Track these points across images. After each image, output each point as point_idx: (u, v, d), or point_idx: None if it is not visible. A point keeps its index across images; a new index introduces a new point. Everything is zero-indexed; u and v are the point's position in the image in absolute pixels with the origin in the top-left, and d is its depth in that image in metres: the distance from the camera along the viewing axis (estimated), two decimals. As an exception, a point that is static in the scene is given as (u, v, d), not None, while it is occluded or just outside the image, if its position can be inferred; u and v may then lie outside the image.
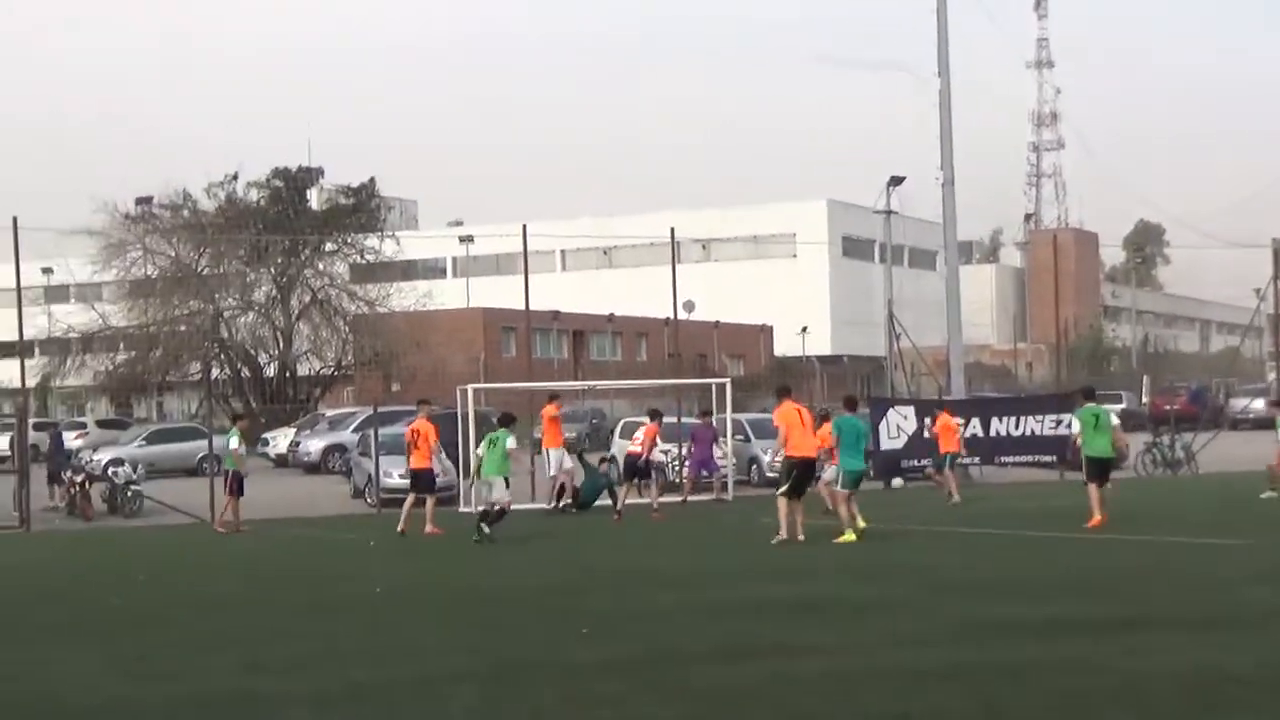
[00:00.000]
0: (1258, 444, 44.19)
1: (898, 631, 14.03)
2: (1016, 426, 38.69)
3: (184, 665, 13.57)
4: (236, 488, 29.79)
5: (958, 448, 33.75)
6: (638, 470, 31.85)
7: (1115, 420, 25.89)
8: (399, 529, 26.94)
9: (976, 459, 38.08)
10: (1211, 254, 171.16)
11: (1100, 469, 24.71)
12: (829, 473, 26.92)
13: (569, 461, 32.43)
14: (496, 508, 25.62)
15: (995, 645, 13.08)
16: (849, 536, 22.94)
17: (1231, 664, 11.82)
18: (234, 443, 30.58)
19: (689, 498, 34.31)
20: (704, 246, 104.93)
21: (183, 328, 70.83)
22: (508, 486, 26.12)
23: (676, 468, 37.10)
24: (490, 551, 23.98)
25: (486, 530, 25.02)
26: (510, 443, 26.25)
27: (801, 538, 22.80)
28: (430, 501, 27.89)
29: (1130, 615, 14.52)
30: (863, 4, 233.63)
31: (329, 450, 50.26)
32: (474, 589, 18.87)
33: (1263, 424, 53.39)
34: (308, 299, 72.46)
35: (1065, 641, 13.14)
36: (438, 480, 29.18)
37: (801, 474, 23.36)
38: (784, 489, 23.27)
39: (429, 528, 27.14)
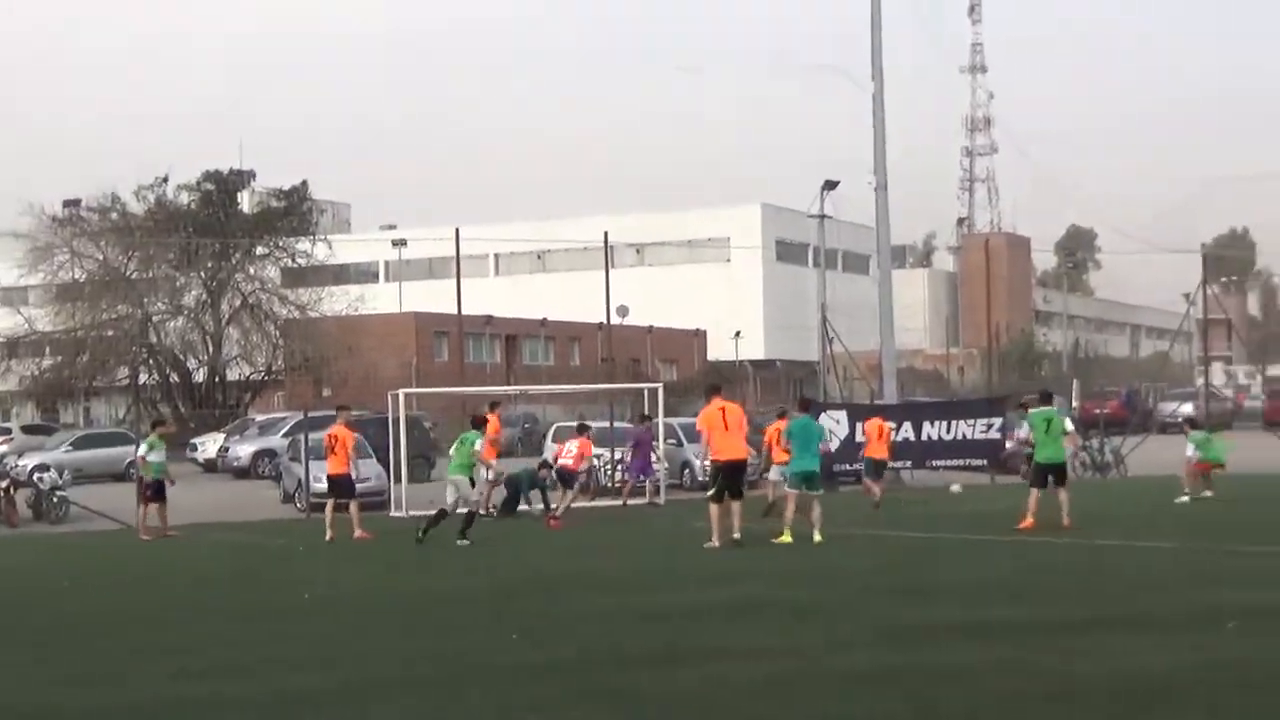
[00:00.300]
0: (1185, 448, 44.59)
1: (833, 635, 13.97)
2: (948, 431, 38.85)
3: (111, 672, 13.36)
4: (153, 494, 29.50)
5: (886, 454, 33.64)
6: (571, 481, 31.70)
7: (1069, 426, 25.65)
8: (328, 537, 26.74)
9: (909, 463, 38.20)
10: (1142, 259, 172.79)
11: (1045, 474, 24.52)
12: (774, 472, 26.98)
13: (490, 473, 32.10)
14: (466, 509, 25.56)
15: (930, 648, 13.04)
16: (786, 538, 22.89)
17: (1162, 665, 11.83)
18: (143, 450, 30.24)
19: (628, 502, 34.23)
20: (638, 251, 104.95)
21: (110, 332, 70.22)
22: (474, 486, 26.05)
23: (610, 472, 37.02)
24: (421, 556, 23.81)
25: (421, 535, 25.24)
26: (479, 444, 26.17)
27: (736, 536, 22.56)
28: (354, 506, 27.70)
29: (1063, 618, 14.52)
30: (798, 9, 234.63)
31: (259, 455, 49.96)
32: (404, 594, 18.69)
33: (1191, 427, 53.91)
34: (238, 303, 72.00)
35: (999, 644, 13.12)
36: (368, 484, 29.04)
37: (728, 477, 23.01)
38: (712, 493, 23.15)
39: (357, 532, 26.99)
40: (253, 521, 32.58)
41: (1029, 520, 23.94)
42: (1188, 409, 62.93)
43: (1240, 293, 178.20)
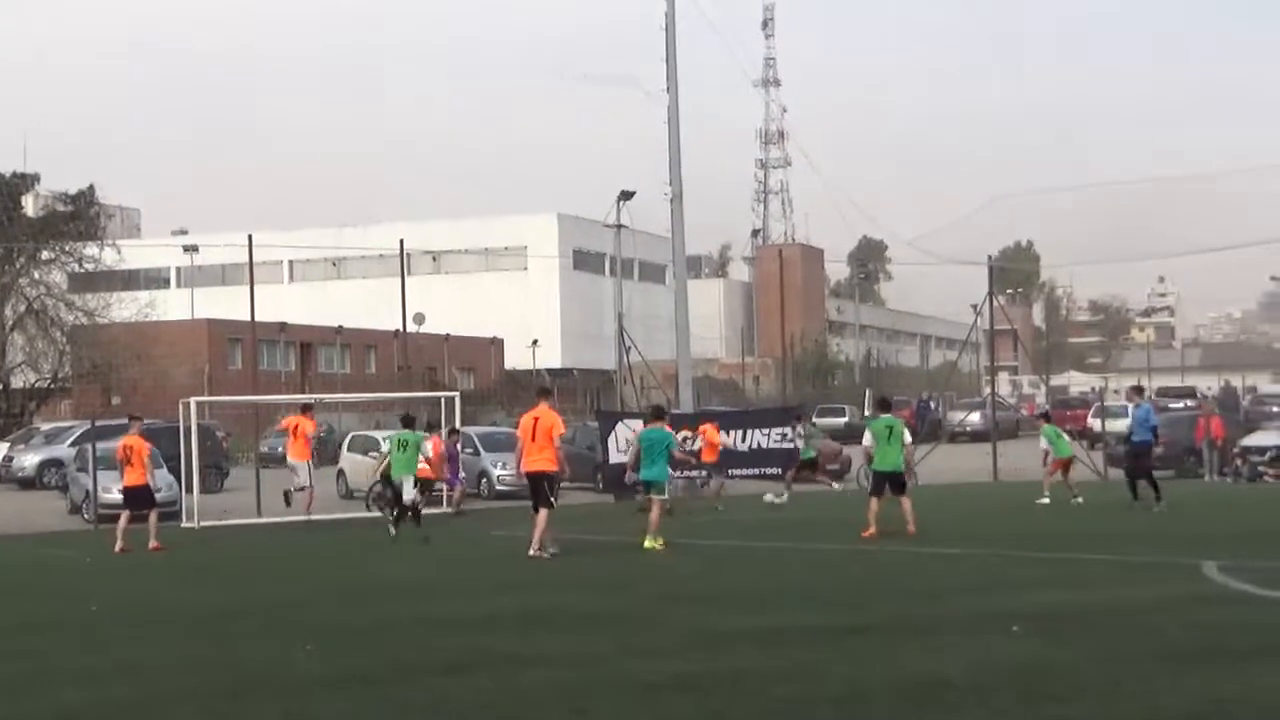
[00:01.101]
0: (974, 457, 45.68)
1: (628, 643, 14.05)
2: (744, 439, 39.20)
3: (-116, 689, 12.95)
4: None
5: (715, 458, 34.58)
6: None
7: (908, 437, 25.65)
8: (117, 549, 26.22)
9: (705, 472, 38.49)
10: (931, 271, 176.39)
11: (885, 483, 24.66)
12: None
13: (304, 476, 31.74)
14: (412, 506, 27.58)
15: (723, 655, 13.18)
16: (655, 544, 23.22)
17: (946, 669, 12.09)
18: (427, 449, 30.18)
19: (461, 508, 34.22)
20: (434, 259, 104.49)
21: (-112, 338, 68.07)
22: (416, 485, 28.07)
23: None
24: (212, 566, 23.49)
25: (394, 530, 27.05)
26: (427, 446, 28.99)
27: (531, 553, 22.41)
28: (153, 517, 27.26)
29: (854, 623, 14.78)
30: (594, 21, 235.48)
31: (44, 465, 48.83)
32: (196, 605, 18.40)
33: (979, 436, 55.19)
34: (22, 309, 70.26)
35: (791, 649, 13.31)
36: (160, 495, 28.58)
37: (532, 487, 22.95)
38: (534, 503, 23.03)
39: (152, 543, 26.57)
40: (39, 533, 31.82)
41: (872, 529, 23.98)
42: (975, 418, 64.56)
43: (1025, 304, 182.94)
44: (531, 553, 22.29)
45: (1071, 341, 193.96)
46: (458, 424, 36.17)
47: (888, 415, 25.54)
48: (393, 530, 27.29)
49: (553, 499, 22.95)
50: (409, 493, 27.76)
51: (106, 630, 16.28)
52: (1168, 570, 19.02)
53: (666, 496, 24.70)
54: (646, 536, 23.32)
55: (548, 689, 11.84)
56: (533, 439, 22.75)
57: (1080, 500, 31.19)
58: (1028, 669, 12.08)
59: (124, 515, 27.38)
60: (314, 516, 31.44)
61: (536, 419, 22.88)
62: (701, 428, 35.35)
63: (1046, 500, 31.52)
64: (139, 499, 27.37)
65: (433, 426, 33.71)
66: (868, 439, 25.25)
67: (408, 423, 29.74)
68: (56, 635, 15.97)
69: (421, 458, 28.96)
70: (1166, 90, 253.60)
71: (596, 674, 12.47)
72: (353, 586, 20.02)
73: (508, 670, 12.66)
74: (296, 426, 31.23)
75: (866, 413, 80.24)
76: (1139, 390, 32.02)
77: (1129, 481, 29.70)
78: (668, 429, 25.80)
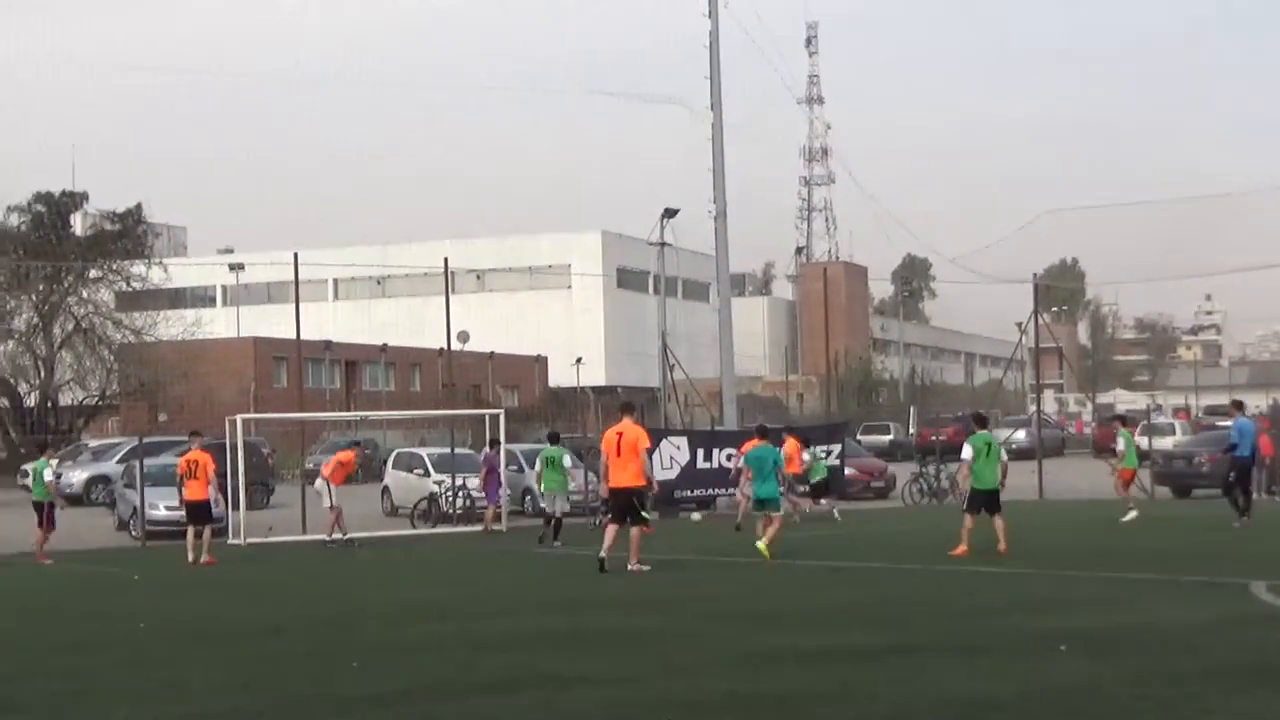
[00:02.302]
0: (1019, 475, 45.47)
1: (672, 662, 14.02)
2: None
3: (-66, 706, 13.04)
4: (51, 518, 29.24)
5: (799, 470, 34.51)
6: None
7: (1004, 456, 25.01)
8: (203, 560, 26.82)
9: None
10: (975, 288, 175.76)
11: (983, 501, 24.25)
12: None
13: (332, 498, 31.70)
14: (556, 518, 29.06)
15: (768, 674, 13.14)
16: (765, 551, 23.89)
17: (993, 690, 12.03)
18: (49, 474, 29.79)
19: (490, 527, 34.16)
20: (478, 277, 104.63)
21: (-62, 356, 68.64)
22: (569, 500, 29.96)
23: (451, 499, 36.86)
24: (258, 583, 23.57)
25: (557, 542, 28.39)
26: (568, 460, 29.61)
27: (631, 568, 22.54)
28: (207, 532, 27.52)
29: (899, 643, 14.72)
30: (639, 39, 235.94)
31: (92, 482, 49.07)
32: (244, 623, 18.47)
33: (1024, 454, 54.88)
34: (71, 327, 70.71)
35: (836, 669, 13.27)
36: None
37: (616, 504, 23.05)
38: (609, 517, 23.53)
39: (205, 557, 26.80)
40: (86, 549, 31.97)
41: (963, 547, 23.70)
42: (1020, 436, 64.26)
43: (1070, 322, 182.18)
44: (631, 567, 22.46)
45: (1117, 359, 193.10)
46: (502, 441, 36.15)
47: (985, 432, 25.14)
48: (557, 543, 28.45)
49: (645, 514, 23.14)
50: (560, 506, 29.35)
51: (154, 648, 16.33)
52: (1217, 590, 18.90)
53: (783, 511, 25.68)
54: (762, 541, 24.16)
55: (590, 708, 11.83)
56: (618, 454, 22.84)
57: (1134, 515, 30.82)
58: (1075, 690, 12.01)
59: (190, 530, 27.70)
60: (339, 536, 31.33)
61: (620, 434, 22.98)
62: (788, 442, 35.16)
63: (1135, 514, 30.86)
64: (199, 513, 27.67)
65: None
66: (967, 452, 24.69)
67: (554, 439, 31.30)
68: (105, 653, 16.02)
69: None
70: (1213, 107, 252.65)
71: (639, 694, 12.44)
72: (397, 605, 20.05)
73: (550, 690, 12.66)
74: (195, 462, 28.61)
75: (911, 430, 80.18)
76: (1239, 405, 31.54)
77: (1233, 498, 29.12)
78: (774, 446, 26.62)
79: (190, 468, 27.77)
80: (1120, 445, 32.68)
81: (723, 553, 26.33)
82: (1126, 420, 36.06)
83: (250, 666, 14.67)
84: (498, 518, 34.53)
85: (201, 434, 30.34)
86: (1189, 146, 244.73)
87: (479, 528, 34.37)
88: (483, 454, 36.90)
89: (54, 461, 30.59)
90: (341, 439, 53.43)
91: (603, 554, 22.52)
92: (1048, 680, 12.48)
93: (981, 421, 26.06)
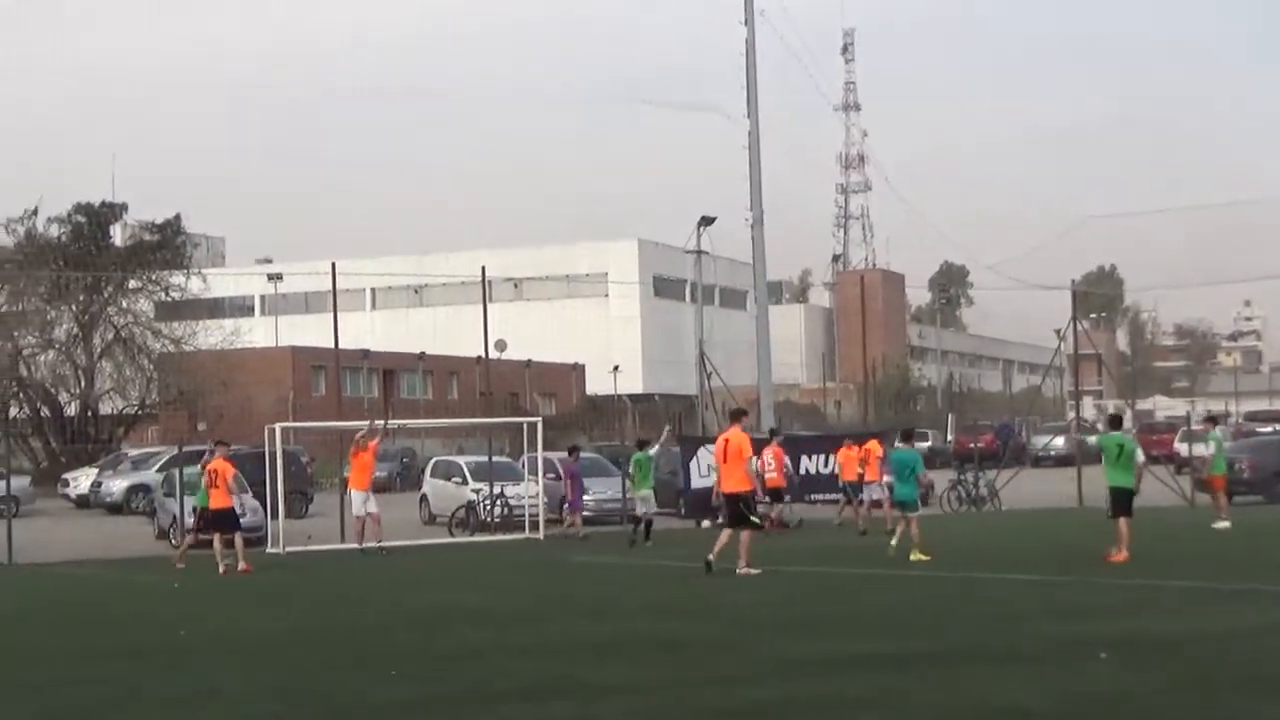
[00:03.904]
0: (1059, 482, 45.33)
1: (708, 670, 14.05)
2: (825, 464, 39.12)
3: (-27, 713, 13.17)
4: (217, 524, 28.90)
5: (853, 477, 34.50)
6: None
7: (1141, 456, 24.45)
8: (220, 571, 26.67)
9: (787, 496, 38.28)
10: (1013, 295, 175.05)
11: (1123, 501, 23.82)
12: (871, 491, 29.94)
13: (373, 504, 31.83)
14: (647, 520, 31.28)
15: (801, 682, 13.17)
16: (920, 556, 24.51)
17: (1031, 698, 12.03)
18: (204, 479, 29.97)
19: (580, 532, 34.18)
20: (515, 285, 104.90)
21: (-20, 366, 69.04)
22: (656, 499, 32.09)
23: (489, 507, 36.86)
24: (297, 592, 23.68)
25: (647, 541, 30.42)
26: (649, 462, 32.08)
27: (740, 571, 22.69)
28: (238, 539, 27.61)
29: (935, 650, 14.71)
30: (674, 47, 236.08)
31: (132, 490, 49.31)
32: (283, 630, 18.57)
33: (1063, 461, 54.74)
34: (110, 337, 71.06)
35: (872, 677, 13.27)
36: (245, 520, 28.95)
37: (729, 509, 23.35)
38: (721, 521, 24.01)
39: (241, 565, 26.91)
40: (126, 558, 32.16)
41: (1124, 553, 23.17)
42: (1059, 442, 64.06)
43: (1109, 328, 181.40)
44: (741, 571, 22.63)
45: (1157, 366, 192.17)
46: (539, 449, 36.21)
47: (1118, 433, 24.88)
48: (648, 543, 30.52)
49: (753, 517, 23.41)
50: (650, 505, 31.84)
51: (194, 656, 16.43)
52: (1255, 597, 18.82)
53: (919, 512, 26.14)
54: (914, 550, 24.75)
55: (624, 716, 11.87)
56: (725, 460, 23.29)
57: (1227, 525, 29.81)
58: (1112, 698, 12.00)
59: (216, 539, 27.79)
60: (374, 544, 31.37)
61: (727, 440, 23.44)
62: (866, 447, 35.26)
63: (1226, 524, 29.78)
64: (225, 521, 27.79)
65: (775, 433, 35.59)
66: (1208, 449, 24.19)
67: (642, 445, 33.86)
68: (145, 661, 16.12)
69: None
70: (1253, 111, 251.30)
71: (673, 701, 12.48)
72: (435, 612, 20.13)
73: (584, 698, 12.71)
74: (216, 471, 29.52)
75: (949, 437, 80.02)
76: None
77: None
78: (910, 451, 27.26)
79: (212, 477, 27.97)
80: (1210, 449, 31.71)
81: (760, 559, 26.32)
82: (1217, 420, 34.86)
83: (288, 674, 14.77)
84: (575, 523, 34.56)
85: (227, 443, 30.46)
86: (1228, 151, 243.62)
87: (559, 530, 34.53)
88: (560, 460, 37.03)
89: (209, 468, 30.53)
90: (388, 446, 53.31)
91: (710, 557, 22.85)
92: (1081, 688, 12.47)
93: (1116, 423, 25.85)
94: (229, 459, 28.74)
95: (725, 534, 23.32)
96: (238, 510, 28.35)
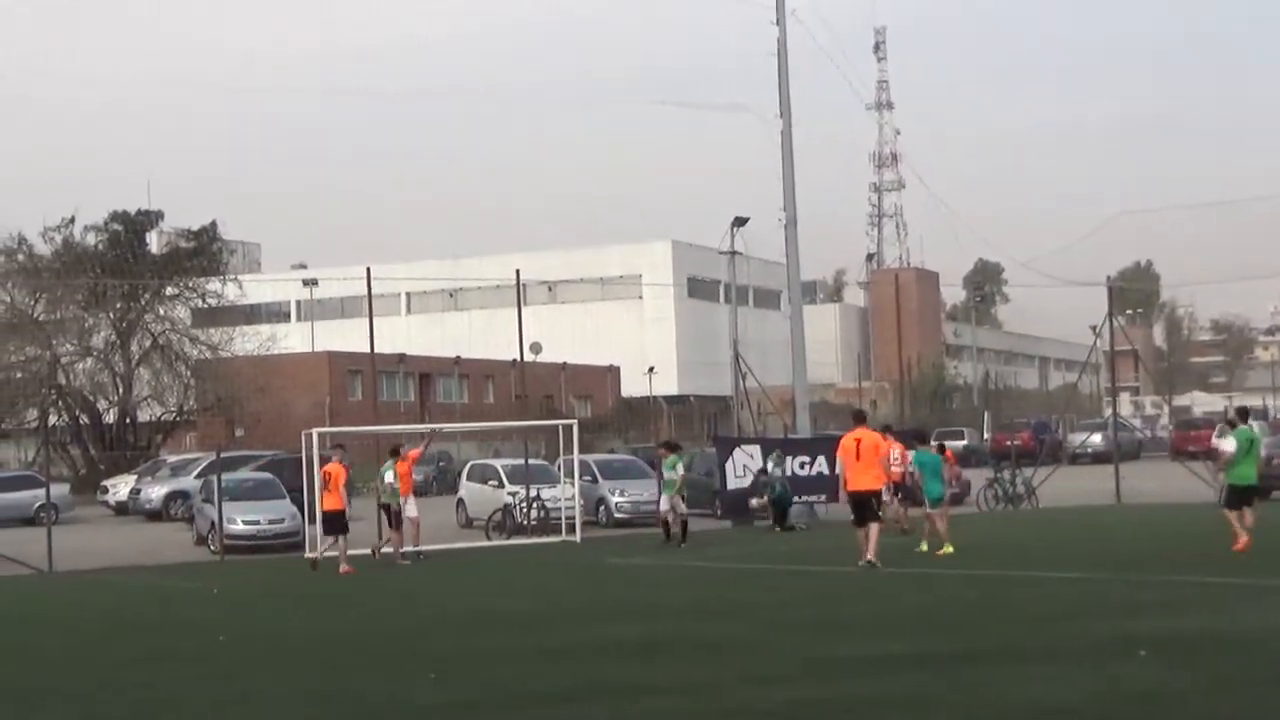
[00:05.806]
0: (1096, 479, 45.17)
1: (742, 670, 14.06)
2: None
3: (12, 716, 13.24)
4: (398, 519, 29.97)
5: (895, 479, 33.86)
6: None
7: (1264, 452, 24.09)
8: (341, 570, 27.34)
9: (823, 497, 38.10)
10: (1048, 292, 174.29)
11: (1241, 497, 23.65)
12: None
13: (412, 509, 31.81)
14: (682, 519, 31.34)
15: (837, 682, 13.17)
16: (948, 549, 25.48)
17: (1063, 697, 12.00)
18: (389, 476, 30.45)
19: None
20: (550, 288, 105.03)
21: (19, 374, 69.41)
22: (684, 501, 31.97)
23: (526, 510, 36.84)
24: (335, 596, 23.77)
25: (683, 542, 30.71)
26: (679, 467, 31.97)
27: (869, 559, 23.41)
28: (342, 541, 28.05)
29: (967, 649, 14.69)
30: (706, 47, 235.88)
31: (171, 497, 49.51)
32: (320, 635, 18.65)
33: (1100, 458, 54.52)
34: (148, 344, 71.38)
35: (905, 677, 13.26)
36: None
37: (856, 507, 24.12)
38: (854, 519, 24.43)
39: (343, 567, 27.66)
40: (165, 564, 32.30)
41: (1243, 539, 23.08)
42: (1096, 439, 63.80)
43: (1145, 325, 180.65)
44: (868, 560, 23.43)
45: (1194, 361, 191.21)
46: (575, 451, 36.15)
47: (1246, 428, 24.57)
48: (682, 545, 30.48)
49: (880, 513, 24.37)
50: (682, 507, 31.58)
51: (233, 660, 16.52)
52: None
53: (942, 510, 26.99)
54: (944, 545, 25.68)
55: (660, 717, 11.89)
56: (857, 458, 23.93)
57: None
58: (1150, 697, 11.97)
59: (339, 540, 28.38)
60: (410, 549, 31.39)
61: (859, 439, 24.24)
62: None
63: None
64: (334, 523, 28.50)
65: (889, 430, 35.47)
66: (1230, 445, 23.98)
67: (672, 448, 33.28)
68: (185, 666, 16.21)
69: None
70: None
71: (709, 702, 12.50)
72: (472, 615, 20.19)
73: (622, 699, 12.73)
74: (330, 474, 29.45)
75: (985, 435, 79.77)
76: None
77: None
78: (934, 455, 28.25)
79: (325, 479, 28.51)
80: (1231, 446, 31.29)
81: (793, 559, 26.35)
82: (1248, 413, 34.33)
83: (327, 678, 14.83)
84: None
85: (343, 446, 31.56)
86: (1263, 145, 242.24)
87: (657, 532, 34.24)
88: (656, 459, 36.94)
89: (399, 464, 30.82)
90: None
91: (870, 558, 23.44)
92: (1118, 686, 12.44)
93: (1244, 415, 25.61)
94: (340, 461, 29.49)
95: (873, 529, 23.79)
96: (348, 514, 29.06)
